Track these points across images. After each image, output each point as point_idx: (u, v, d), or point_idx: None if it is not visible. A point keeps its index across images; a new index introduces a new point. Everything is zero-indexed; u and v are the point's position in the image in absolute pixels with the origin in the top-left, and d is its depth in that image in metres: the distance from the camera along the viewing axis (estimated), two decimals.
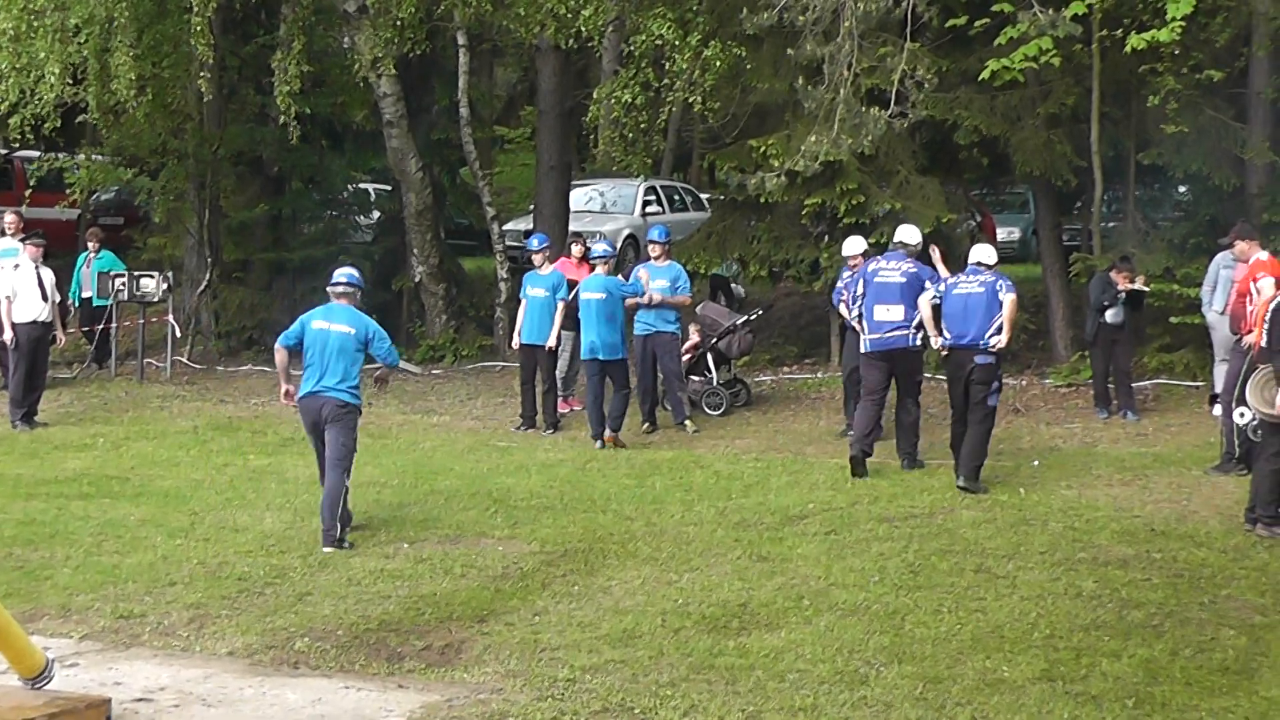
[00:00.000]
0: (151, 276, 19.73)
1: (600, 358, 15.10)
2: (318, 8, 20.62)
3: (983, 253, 13.13)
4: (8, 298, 16.30)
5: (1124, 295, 15.53)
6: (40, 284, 16.43)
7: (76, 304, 20.49)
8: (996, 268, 13.01)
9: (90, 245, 20.76)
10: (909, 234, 13.85)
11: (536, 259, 16.32)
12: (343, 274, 11.87)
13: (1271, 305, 10.66)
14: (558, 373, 16.34)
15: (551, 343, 15.96)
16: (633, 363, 15.86)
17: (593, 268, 15.84)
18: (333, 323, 11.53)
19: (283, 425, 16.35)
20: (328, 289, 11.85)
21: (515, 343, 16.38)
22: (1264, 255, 12.84)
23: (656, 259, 16.13)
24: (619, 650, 8.16)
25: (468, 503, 12.21)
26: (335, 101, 22.79)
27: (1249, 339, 12.45)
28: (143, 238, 24.18)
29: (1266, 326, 10.59)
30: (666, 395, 16.13)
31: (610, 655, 8.08)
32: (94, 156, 22.17)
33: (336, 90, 22.69)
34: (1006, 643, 8.18)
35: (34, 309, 16.34)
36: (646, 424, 15.77)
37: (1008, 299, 12.55)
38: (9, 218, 18.64)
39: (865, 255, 14.64)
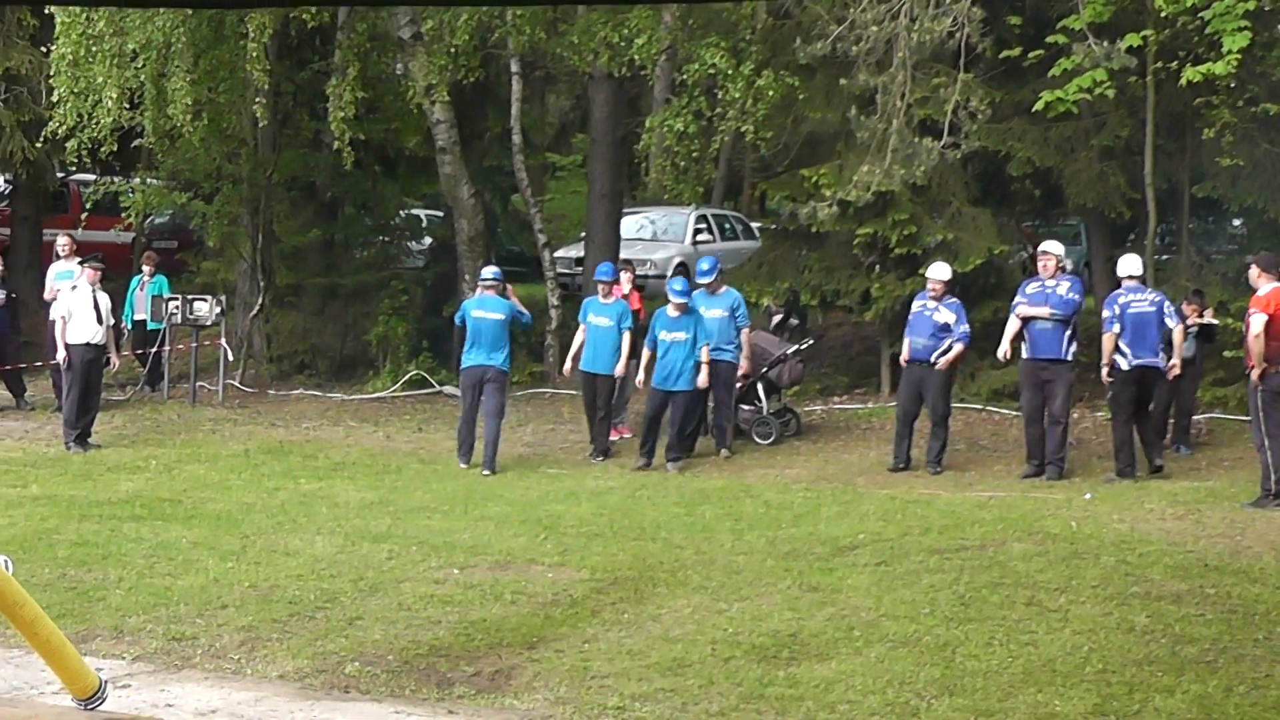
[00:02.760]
0: (205, 300, 19.92)
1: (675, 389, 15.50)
2: (372, 34, 20.74)
3: (1133, 265, 14.12)
4: (63, 318, 16.46)
5: (1195, 329, 15.46)
6: (96, 306, 16.57)
7: (130, 327, 20.66)
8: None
9: (145, 269, 20.94)
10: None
11: (602, 288, 16.30)
12: (489, 271, 16.06)
13: None
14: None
15: (620, 371, 16.05)
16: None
17: (642, 297, 15.91)
18: (487, 311, 15.36)
19: (333, 450, 16.44)
20: (479, 283, 15.93)
21: (568, 369, 16.40)
22: (1268, 287, 12.73)
23: (711, 289, 16.12)
24: (669, 679, 8.12)
25: (518, 529, 12.17)
26: (389, 128, 22.89)
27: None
28: (196, 262, 24.42)
29: None
30: (714, 421, 16.14)
31: (660, 684, 8.04)
32: (149, 180, 22.43)
33: (390, 116, 22.79)
34: (1058, 677, 8.09)
35: (88, 331, 16.47)
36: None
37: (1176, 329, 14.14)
38: (63, 241, 18.79)
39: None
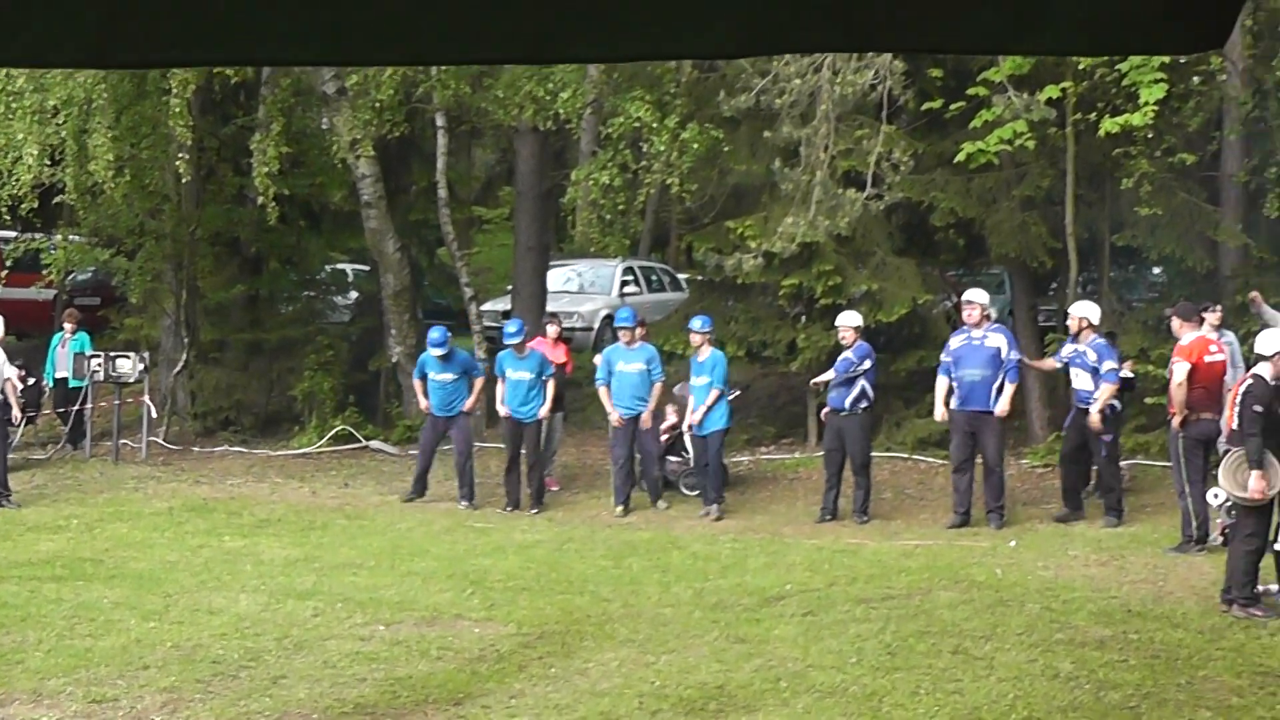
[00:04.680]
0: (128, 357, 19.68)
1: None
2: (297, 89, 20.68)
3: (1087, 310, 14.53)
4: None
5: None
6: None
7: (51, 385, 20.41)
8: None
9: (66, 326, 20.70)
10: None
11: (515, 345, 16.26)
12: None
13: (1241, 389, 10.72)
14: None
15: (544, 413, 16.10)
16: (609, 443, 15.90)
17: (569, 350, 15.91)
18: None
19: (258, 506, 16.27)
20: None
21: (504, 410, 16.32)
22: (1190, 336, 12.92)
23: (628, 343, 16.13)
24: None
25: (444, 584, 12.07)
26: (313, 182, 22.81)
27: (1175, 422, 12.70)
28: (119, 318, 24.14)
29: (1237, 409, 10.65)
30: (643, 475, 16.14)
31: None
32: (71, 237, 22.17)
33: (315, 171, 22.70)
34: None
35: None
36: (620, 507, 15.76)
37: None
38: None
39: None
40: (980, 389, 14.36)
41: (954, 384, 14.62)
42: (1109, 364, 14.42)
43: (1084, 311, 14.77)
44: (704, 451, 15.85)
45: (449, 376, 16.42)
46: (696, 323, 16.12)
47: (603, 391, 16.09)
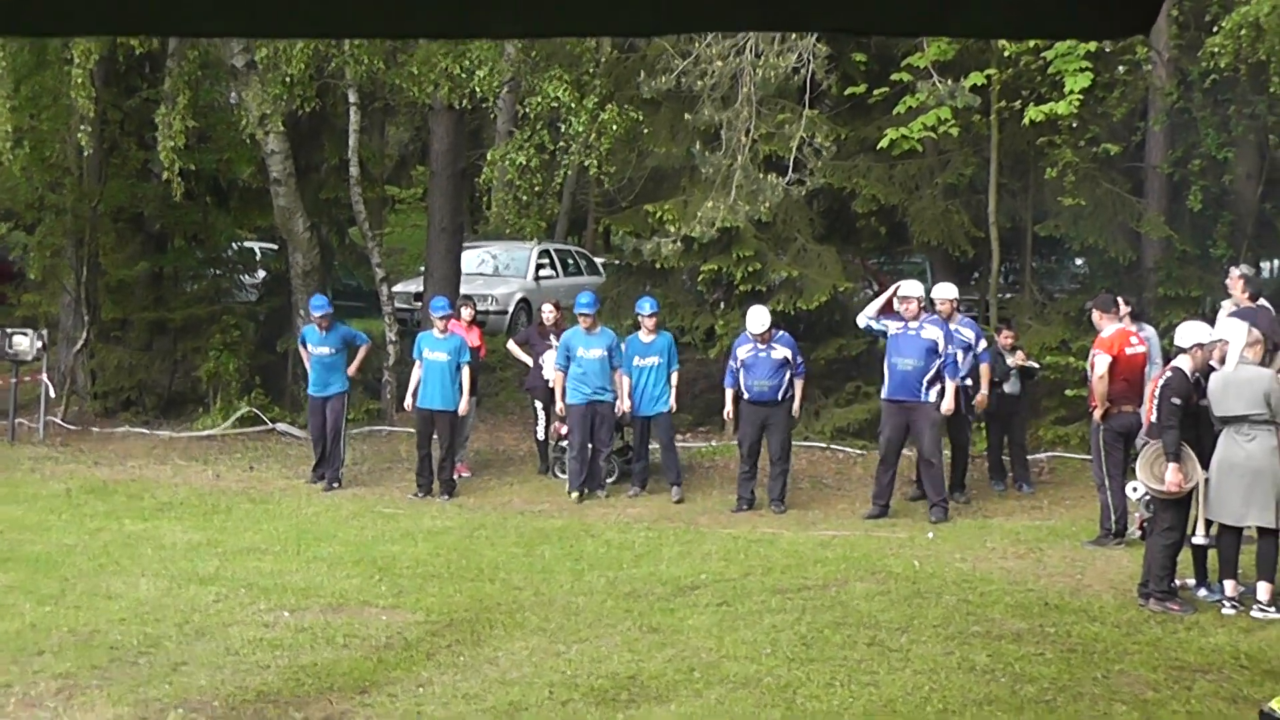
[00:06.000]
0: (25, 334, 19.26)
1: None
2: (204, 62, 20.22)
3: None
4: None
5: (1015, 370, 15.55)
6: None
7: None
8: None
9: None
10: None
11: (438, 323, 16.02)
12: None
13: (1160, 382, 10.68)
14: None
15: (464, 409, 15.89)
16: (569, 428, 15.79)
17: (483, 333, 15.64)
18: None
19: (160, 489, 15.95)
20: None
21: (409, 405, 16.11)
22: (1111, 329, 12.88)
23: (588, 329, 15.82)
24: None
25: (351, 570, 11.86)
26: (221, 158, 22.36)
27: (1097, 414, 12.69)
28: (17, 294, 23.60)
29: (1156, 402, 10.60)
30: (590, 462, 15.94)
31: None
32: None
33: (222, 146, 22.26)
34: (899, 717, 8.03)
35: None
36: (575, 493, 15.54)
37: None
38: None
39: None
40: (912, 379, 14.13)
41: (887, 372, 14.42)
42: (984, 342, 14.87)
43: (950, 294, 15.07)
44: (645, 435, 15.67)
45: (326, 350, 16.31)
46: (646, 305, 15.92)
47: (559, 376, 15.83)
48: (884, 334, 14.50)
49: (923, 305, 14.40)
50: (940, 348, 14.13)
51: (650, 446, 16.09)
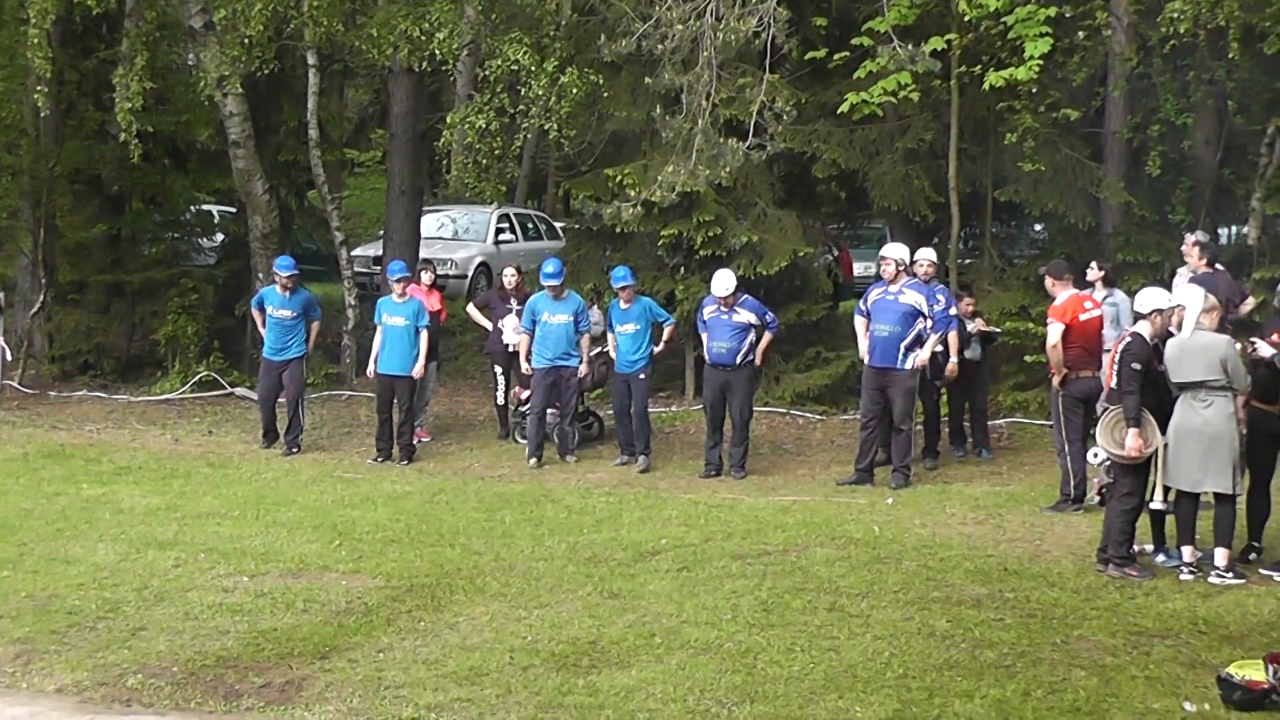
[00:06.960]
0: None
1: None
2: (162, 23, 20.01)
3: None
4: None
5: (975, 336, 15.56)
6: None
7: None
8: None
9: None
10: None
11: (396, 287, 15.95)
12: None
13: (1120, 347, 10.70)
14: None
15: (419, 372, 15.80)
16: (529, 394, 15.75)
17: (443, 297, 15.56)
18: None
19: (118, 453, 15.86)
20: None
21: (370, 370, 16.05)
22: (1065, 295, 12.89)
23: (555, 295, 15.72)
24: (465, 688, 7.94)
25: (311, 535, 11.83)
26: (179, 120, 22.17)
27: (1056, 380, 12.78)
28: None
29: (1116, 367, 10.63)
30: (554, 428, 15.89)
31: (456, 693, 7.86)
32: None
33: (180, 108, 22.10)
34: (859, 682, 8.06)
35: None
36: (533, 459, 15.50)
37: None
38: None
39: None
40: (889, 345, 14.02)
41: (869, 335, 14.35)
42: (954, 308, 14.91)
43: (931, 255, 15.18)
44: (624, 397, 15.61)
45: (288, 313, 16.27)
46: (621, 271, 15.85)
47: (524, 340, 15.78)
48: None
49: (901, 268, 14.32)
50: (924, 311, 14.09)
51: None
